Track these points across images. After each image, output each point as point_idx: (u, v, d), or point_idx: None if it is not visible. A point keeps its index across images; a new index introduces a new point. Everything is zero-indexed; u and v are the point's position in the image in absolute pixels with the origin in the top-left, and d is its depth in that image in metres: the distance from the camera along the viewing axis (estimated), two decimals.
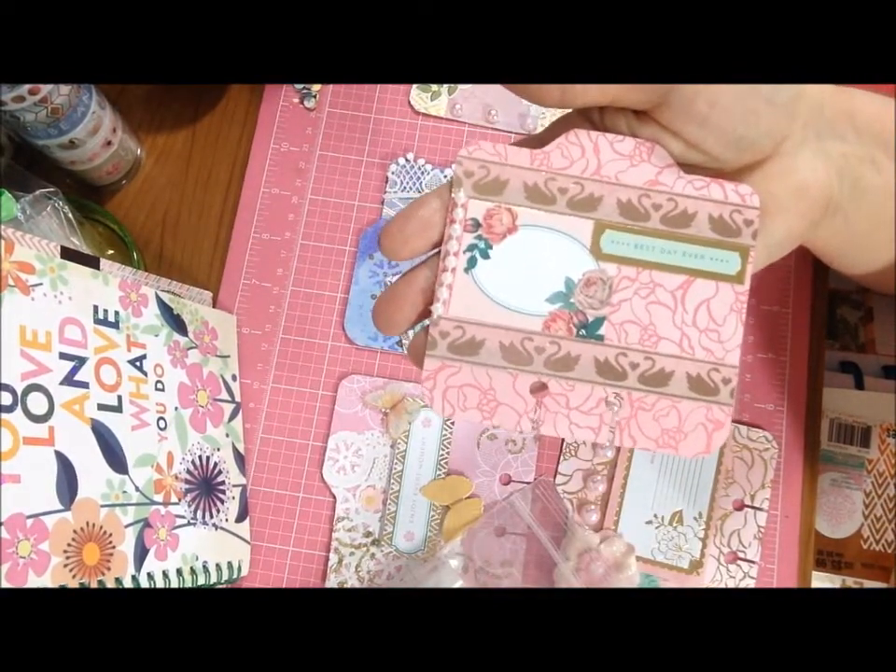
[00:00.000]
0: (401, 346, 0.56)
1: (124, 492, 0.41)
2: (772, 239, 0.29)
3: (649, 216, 0.29)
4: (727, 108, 0.27)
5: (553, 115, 0.60)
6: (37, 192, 0.52)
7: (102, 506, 0.40)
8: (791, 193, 0.29)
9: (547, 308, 0.28)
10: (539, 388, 0.28)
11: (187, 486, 0.47)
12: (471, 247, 0.29)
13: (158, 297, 0.48)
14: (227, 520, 0.50)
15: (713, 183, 0.29)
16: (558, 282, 0.29)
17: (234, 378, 0.55)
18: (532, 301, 0.28)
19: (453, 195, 0.29)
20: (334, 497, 0.54)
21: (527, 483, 0.54)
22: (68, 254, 0.42)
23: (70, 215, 0.53)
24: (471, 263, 0.29)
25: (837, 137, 0.30)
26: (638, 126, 0.29)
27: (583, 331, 0.28)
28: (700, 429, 0.28)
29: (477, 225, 0.29)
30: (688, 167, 0.29)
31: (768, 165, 0.29)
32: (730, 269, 0.29)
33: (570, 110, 0.31)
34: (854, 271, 0.35)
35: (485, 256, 0.29)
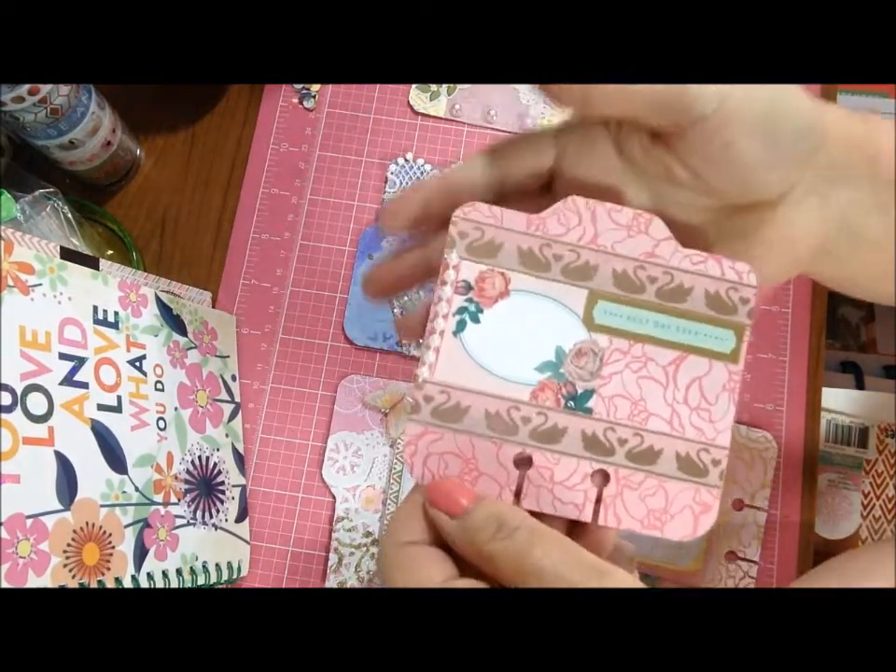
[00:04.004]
0: (401, 346, 0.56)
1: (124, 492, 0.41)
2: (762, 277, 0.29)
3: (644, 288, 0.28)
4: (742, 153, 0.27)
5: (552, 116, 0.60)
6: (37, 193, 0.52)
7: (101, 506, 0.40)
8: (783, 241, 0.29)
9: (536, 377, 0.28)
10: (523, 460, 0.27)
11: (186, 486, 0.47)
12: (461, 310, 0.28)
13: (157, 297, 0.48)
14: (226, 520, 0.50)
15: (710, 259, 0.28)
16: (548, 351, 0.28)
17: (234, 378, 0.55)
18: (521, 369, 0.28)
19: (445, 256, 0.28)
20: (334, 497, 0.54)
21: None
22: (68, 254, 0.42)
23: (70, 215, 0.53)
24: (460, 327, 0.28)
25: (850, 186, 0.29)
26: (651, 148, 0.28)
27: (572, 403, 0.28)
28: (687, 512, 0.27)
29: (468, 287, 0.28)
30: (685, 206, 0.29)
31: (767, 210, 0.29)
32: (724, 347, 0.28)
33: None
34: (855, 296, 0.35)
35: (475, 320, 0.28)
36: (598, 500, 0.27)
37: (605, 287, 0.28)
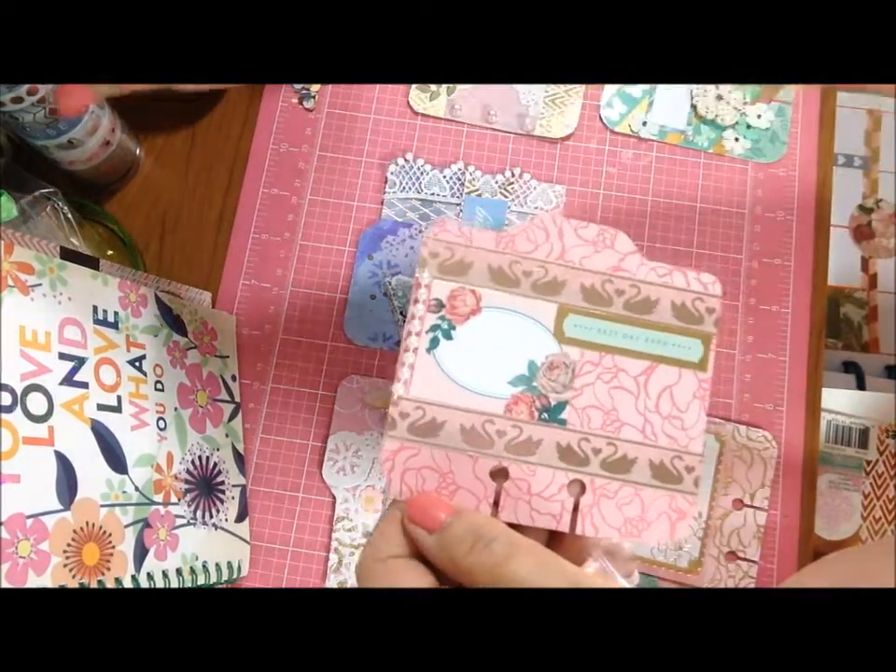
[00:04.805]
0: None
1: (124, 492, 0.41)
2: None
3: (612, 301, 0.29)
4: None
5: (552, 116, 0.60)
6: (37, 193, 0.52)
7: (101, 506, 0.40)
8: None
9: (509, 391, 0.28)
10: (500, 472, 0.28)
11: (186, 486, 0.47)
12: (434, 328, 0.28)
13: (157, 297, 0.48)
14: (227, 520, 0.50)
15: (675, 271, 0.29)
16: (521, 365, 0.28)
17: (234, 378, 0.55)
18: (494, 384, 0.28)
19: (417, 275, 0.29)
20: (334, 498, 0.54)
21: None
22: (68, 254, 0.42)
23: (70, 215, 0.53)
24: (434, 344, 0.28)
25: None
26: None
27: (545, 415, 0.28)
28: (663, 518, 0.28)
29: (440, 305, 0.29)
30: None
31: None
32: (692, 356, 0.29)
33: None
34: None
35: (448, 337, 0.29)
36: (575, 510, 0.28)
37: (574, 301, 0.29)
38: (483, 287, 0.29)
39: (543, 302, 0.29)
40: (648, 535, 0.28)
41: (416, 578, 0.26)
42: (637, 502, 0.28)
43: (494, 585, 0.25)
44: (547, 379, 0.28)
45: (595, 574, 0.25)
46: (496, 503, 0.28)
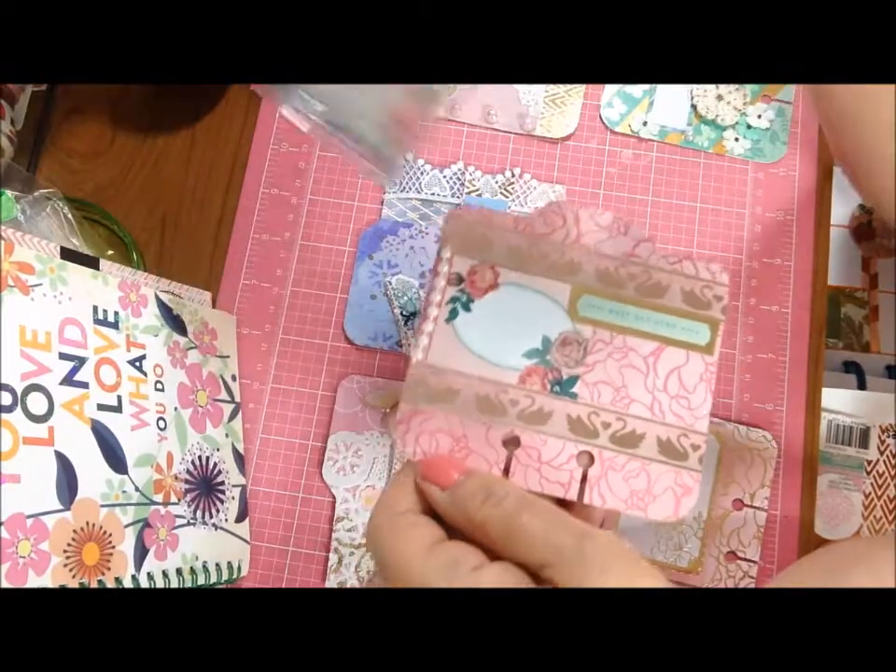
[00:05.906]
0: (401, 346, 0.57)
1: (124, 492, 0.41)
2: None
3: (624, 284, 0.30)
4: None
5: (552, 116, 0.60)
6: (37, 193, 0.52)
7: (102, 506, 0.40)
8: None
9: (523, 363, 0.29)
10: (512, 440, 0.29)
11: (186, 486, 0.47)
12: (454, 300, 0.30)
13: (157, 297, 0.48)
14: (226, 520, 0.50)
15: (685, 260, 0.30)
16: (535, 339, 0.30)
17: (234, 378, 0.55)
18: (509, 356, 0.29)
19: (439, 250, 0.30)
20: (334, 497, 0.54)
21: None
22: (68, 254, 0.42)
23: (70, 215, 0.53)
24: (453, 315, 0.30)
25: None
26: None
27: (557, 388, 0.29)
28: (669, 493, 0.29)
29: (460, 280, 0.30)
30: None
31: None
32: (700, 339, 0.30)
33: None
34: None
35: (467, 309, 0.30)
36: (584, 480, 0.29)
37: (588, 282, 0.30)
38: (502, 265, 0.30)
39: (559, 282, 0.30)
40: (653, 509, 0.29)
41: (427, 533, 0.27)
42: (644, 476, 0.29)
43: (505, 538, 0.26)
44: (560, 354, 0.30)
45: (604, 533, 0.25)
46: (506, 470, 0.28)
